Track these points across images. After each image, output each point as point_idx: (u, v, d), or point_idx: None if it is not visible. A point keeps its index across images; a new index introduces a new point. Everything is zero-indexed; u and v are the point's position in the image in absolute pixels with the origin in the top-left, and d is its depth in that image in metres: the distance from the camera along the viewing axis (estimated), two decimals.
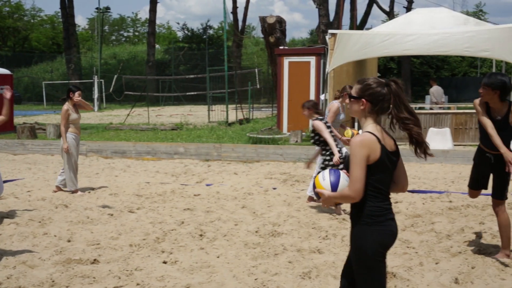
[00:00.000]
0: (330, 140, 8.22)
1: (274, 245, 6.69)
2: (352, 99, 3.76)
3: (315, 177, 3.91)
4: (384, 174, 3.63)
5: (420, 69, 44.01)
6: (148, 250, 6.57)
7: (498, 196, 6.19)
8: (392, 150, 3.65)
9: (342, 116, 9.30)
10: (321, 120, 8.44)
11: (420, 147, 3.72)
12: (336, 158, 8.13)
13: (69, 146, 9.85)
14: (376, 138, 3.59)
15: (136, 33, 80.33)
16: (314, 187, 3.89)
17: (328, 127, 8.41)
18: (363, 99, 3.68)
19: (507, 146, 5.86)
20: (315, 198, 3.64)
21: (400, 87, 3.69)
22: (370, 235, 3.60)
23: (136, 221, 7.93)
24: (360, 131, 3.92)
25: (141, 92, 31.34)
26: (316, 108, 8.57)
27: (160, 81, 42.83)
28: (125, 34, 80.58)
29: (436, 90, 20.71)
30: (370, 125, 3.67)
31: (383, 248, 3.64)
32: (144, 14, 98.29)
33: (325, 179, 3.78)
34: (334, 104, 9.22)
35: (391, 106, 3.67)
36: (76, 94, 9.97)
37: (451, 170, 12.11)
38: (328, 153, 8.39)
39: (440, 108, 19.37)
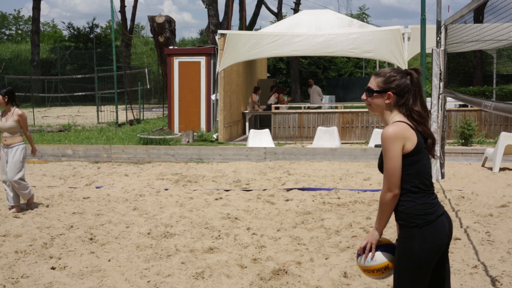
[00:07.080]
0: None
1: (167, 247, 6.64)
2: (374, 94, 3.46)
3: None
4: (423, 162, 3.34)
5: (308, 70, 45.07)
6: (35, 256, 6.34)
7: None
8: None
9: None
10: None
11: (430, 146, 3.43)
12: None
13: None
14: (408, 125, 3.33)
15: (19, 31, 77.15)
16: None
17: None
18: (389, 92, 3.41)
19: None
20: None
21: (420, 76, 3.44)
22: (421, 238, 3.27)
23: (22, 227, 7.63)
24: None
25: (25, 92, 30.12)
26: None
27: (46, 81, 41.35)
28: (7, 32, 77.17)
29: (313, 89, 21.46)
30: (397, 115, 3.40)
31: (436, 252, 3.31)
32: (27, 12, 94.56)
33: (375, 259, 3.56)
34: None
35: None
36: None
37: (339, 168, 12.45)
38: None
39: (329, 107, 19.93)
